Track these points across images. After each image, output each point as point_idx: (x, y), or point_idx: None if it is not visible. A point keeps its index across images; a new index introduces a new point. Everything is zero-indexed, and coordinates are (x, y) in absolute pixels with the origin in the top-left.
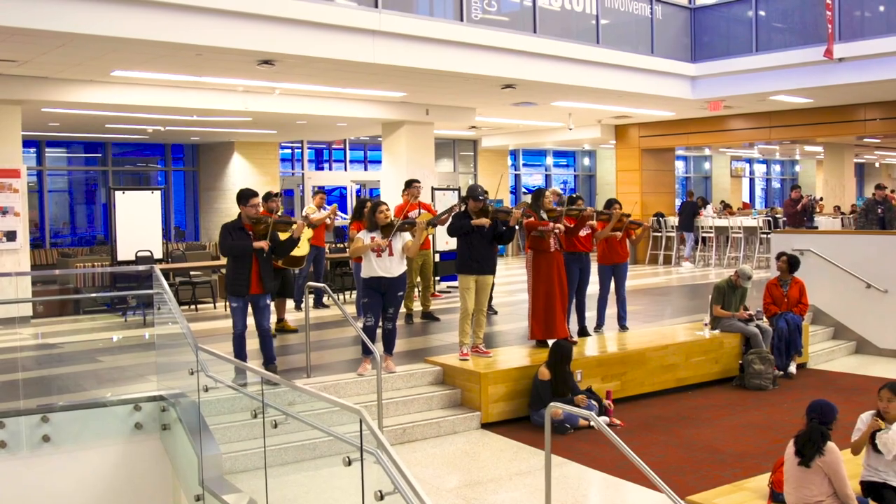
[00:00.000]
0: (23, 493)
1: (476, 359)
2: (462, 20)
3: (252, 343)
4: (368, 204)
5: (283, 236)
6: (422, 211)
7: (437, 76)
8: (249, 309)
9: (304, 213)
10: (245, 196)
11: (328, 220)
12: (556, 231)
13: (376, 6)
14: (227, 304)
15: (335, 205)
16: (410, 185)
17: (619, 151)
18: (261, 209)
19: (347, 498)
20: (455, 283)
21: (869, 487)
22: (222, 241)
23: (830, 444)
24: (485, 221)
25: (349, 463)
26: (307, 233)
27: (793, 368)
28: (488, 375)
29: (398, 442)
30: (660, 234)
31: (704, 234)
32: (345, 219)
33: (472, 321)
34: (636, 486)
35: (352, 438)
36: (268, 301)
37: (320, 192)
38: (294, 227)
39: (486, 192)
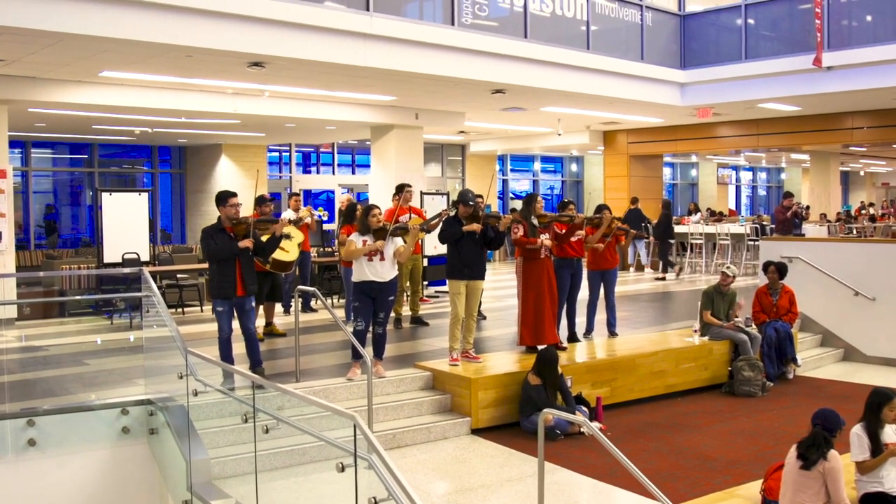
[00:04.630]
0: (8, 497)
1: (466, 364)
2: (453, 24)
3: (237, 347)
4: (360, 207)
5: (264, 237)
6: (412, 215)
7: (427, 80)
8: (235, 313)
9: (283, 219)
10: (223, 197)
11: (308, 220)
12: (544, 248)
13: (367, 9)
14: (213, 308)
15: (309, 206)
16: (402, 189)
17: (608, 157)
18: (240, 209)
19: None
20: (443, 288)
21: (868, 499)
22: (205, 246)
23: (833, 452)
24: (476, 227)
25: (342, 469)
26: (298, 237)
27: (790, 374)
28: (478, 381)
29: (388, 447)
30: (647, 240)
31: (693, 241)
32: (320, 217)
33: (462, 326)
34: (628, 493)
35: (344, 444)
36: (252, 304)
37: (294, 195)
38: (275, 225)
39: (479, 196)
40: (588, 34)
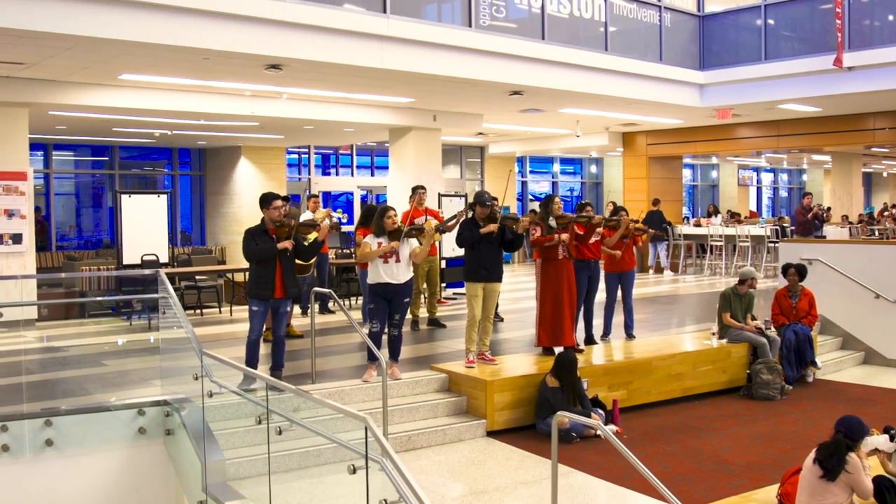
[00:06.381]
0: (25, 497)
1: (482, 366)
2: (470, 26)
3: (263, 347)
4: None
5: (306, 239)
6: (428, 217)
7: (444, 82)
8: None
9: (325, 224)
10: (267, 199)
11: (326, 221)
12: (563, 242)
13: (385, 11)
14: (248, 307)
15: (328, 208)
16: (416, 191)
17: (627, 159)
18: (283, 211)
19: None
20: (461, 290)
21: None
22: (246, 246)
23: (851, 454)
24: (492, 228)
25: (354, 471)
26: None
27: (810, 377)
28: (494, 383)
29: (403, 449)
30: (667, 242)
31: (713, 243)
32: (339, 219)
33: (479, 328)
34: (643, 497)
35: (356, 446)
36: (288, 308)
37: (313, 196)
38: (318, 228)
39: (494, 199)
40: (606, 35)
